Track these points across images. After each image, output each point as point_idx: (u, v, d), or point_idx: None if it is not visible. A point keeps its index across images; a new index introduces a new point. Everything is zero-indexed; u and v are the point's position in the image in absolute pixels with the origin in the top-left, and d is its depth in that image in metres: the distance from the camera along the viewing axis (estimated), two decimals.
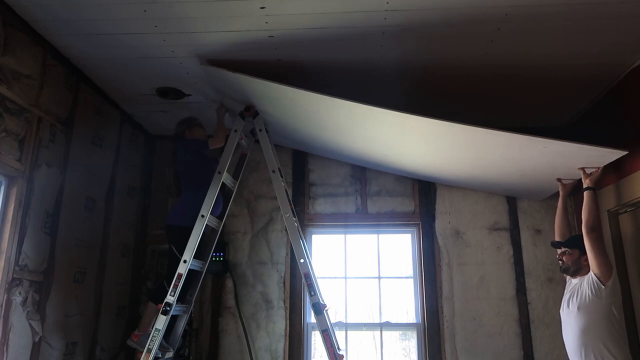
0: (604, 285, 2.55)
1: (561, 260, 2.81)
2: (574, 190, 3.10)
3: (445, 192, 3.92)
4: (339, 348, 2.92)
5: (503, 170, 3.28)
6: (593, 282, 2.58)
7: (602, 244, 2.67)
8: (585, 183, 2.76)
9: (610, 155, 2.61)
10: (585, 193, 2.73)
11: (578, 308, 2.61)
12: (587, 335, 2.55)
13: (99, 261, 3.38)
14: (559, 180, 3.08)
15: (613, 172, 3.07)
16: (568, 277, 2.84)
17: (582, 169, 2.79)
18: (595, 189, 2.74)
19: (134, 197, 3.91)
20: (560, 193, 3.09)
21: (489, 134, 2.69)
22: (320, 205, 3.97)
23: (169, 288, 2.86)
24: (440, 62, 2.92)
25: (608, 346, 2.48)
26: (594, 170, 2.76)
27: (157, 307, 2.88)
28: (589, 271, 2.63)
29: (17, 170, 2.59)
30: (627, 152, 2.56)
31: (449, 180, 3.81)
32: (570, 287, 2.77)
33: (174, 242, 3.05)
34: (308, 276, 2.98)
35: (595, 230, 2.63)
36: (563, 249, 2.80)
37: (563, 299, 2.79)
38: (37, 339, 2.70)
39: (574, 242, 2.77)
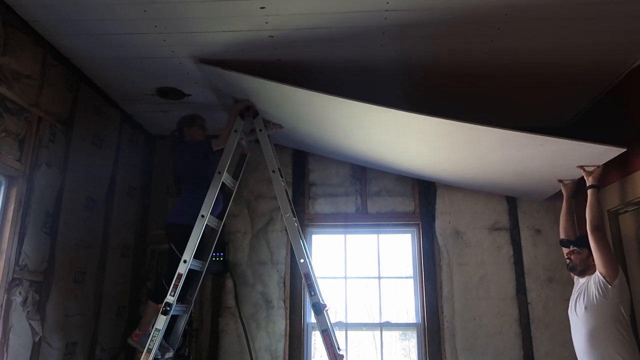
0: (610, 285, 2.53)
1: (569, 258, 2.79)
2: (578, 190, 3.09)
3: (445, 192, 3.92)
4: (339, 348, 2.92)
5: (502, 170, 3.28)
6: (600, 281, 2.56)
7: (607, 242, 2.65)
8: (588, 181, 2.74)
9: (608, 152, 2.60)
10: (589, 191, 2.71)
11: (585, 308, 2.60)
12: (595, 336, 2.52)
13: (99, 261, 3.38)
14: (560, 181, 3.08)
15: (614, 172, 3.07)
16: (576, 277, 2.82)
17: (582, 167, 2.78)
18: (598, 186, 2.72)
19: (134, 197, 3.91)
20: (564, 194, 3.06)
21: (485, 131, 2.68)
22: (320, 205, 3.97)
23: (169, 287, 2.86)
24: (440, 62, 2.92)
25: (618, 350, 2.46)
26: (594, 167, 2.75)
27: (157, 307, 2.88)
28: (596, 271, 2.62)
29: (17, 170, 2.59)
30: (625, 149, 2.54)
31: (449, 181, 3.81)
32: (578, 287, 2.75)
33: (174, 241, 3.04)
34: (308, 276, 2.97)
35: (600, 229, 2.61)
36: (572, 248, 2.78)
37: (571, 299, 2.77)
38: (37, 339, 2.70)
39: (583, 242, 2.74)
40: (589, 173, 2.75)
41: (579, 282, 2.77)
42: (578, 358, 2.64)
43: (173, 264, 2.93)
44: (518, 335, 3.62)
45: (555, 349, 3.56)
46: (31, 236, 2.67)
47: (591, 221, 2.63)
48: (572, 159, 2.77)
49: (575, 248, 2.77)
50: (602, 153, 2.62)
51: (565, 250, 2.86)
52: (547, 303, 3.65)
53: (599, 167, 2.73)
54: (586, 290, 2.64)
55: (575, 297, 2.72)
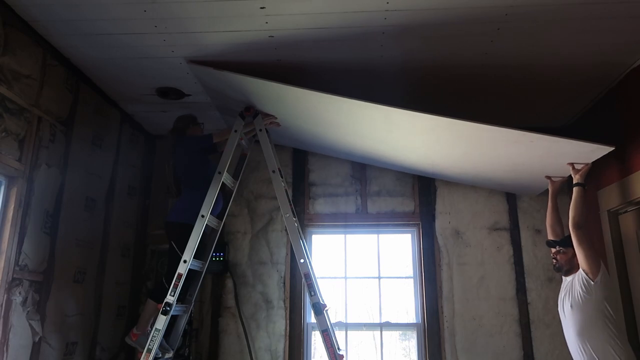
0: (592, 281, 2.55)
1: (555, 259, 2.80)
2: (569, 188, 3.08)
3: (445, 192, 3.92)
4: (339, 348, 2.92)
5: (494, 165, 3.28)
6: (582, 278, 2.59)
7: (589, 239, 2.66)
8: (575, 179, 2.74)
9: (597, 150, 2.60)
10: (574, 189, 2.72)
11: (571, 306, 2.62)
12: (584, 333, 2.54)
13: (99, 261, 3.38)
14: (548, 177, 3.08)
15: (614, 172, 3.07)
16: (563, 277, 2.83)
17: (571, 164, 2.78)
18: (584, 185, 2.72)
19: (134, 197, 3.91)
20: (550, 190, 3.07)
21: (474, 128, 2.68)
22: (320, 205, 3.97)
23: (169, 286, 2.86)
24: (440, 62, 2.92)
25: (611, 343, 2.47)
26: (582, 166, 2.75)
27: (157, 307, 2.88)
28: (579, 268, 2.63)
29: (17, 170, 2.59)
30: (613, 148, 2.54)
31: (445, 175, 3.80)
32: (564, 286, 2.77)
33: (174, 239, 3.04)
34: (308, 276, 2.97)
35: (582, 227, 2.63)
36: (558, 248, 2.79)
37: (558, 299, 2.79)
38: (37, 339, 2.70)
39: (568, 241, 2.75)
40: (577, 171, 2.75)
41: (566, 280, 2.78)
42: (572, 355, 2.66)
43: (173, 263, 2.93)
44: (518, 335, 3.62)
45: (555, 349, 3.56)
46: (31, 236, 2.67)
47: (573, 218, 2.65)
48: (562, 157, 2.77)
49: (561, 248, 2.78)
50: (591, 151, 2.62)
51: (552, 251, 2.86)
52: (547, 303, 3.65)
53: (587, 165, 2.73)
54: (571, 288, 2.66)
55: (562, 295, 2.74)
